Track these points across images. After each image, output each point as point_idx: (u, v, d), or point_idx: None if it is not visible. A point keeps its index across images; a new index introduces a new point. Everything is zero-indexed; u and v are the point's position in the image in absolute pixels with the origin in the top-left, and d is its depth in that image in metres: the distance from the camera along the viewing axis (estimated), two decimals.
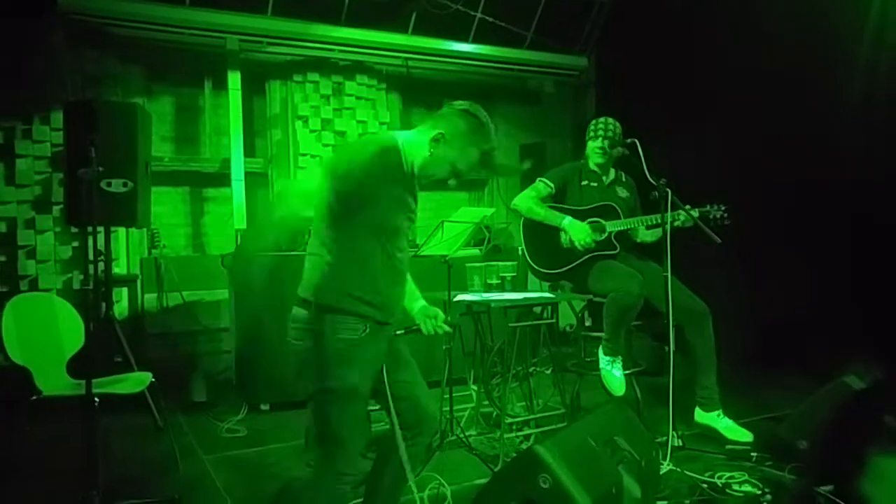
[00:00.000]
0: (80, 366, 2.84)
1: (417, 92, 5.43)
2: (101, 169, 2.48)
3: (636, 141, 2.94)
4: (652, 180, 2.84)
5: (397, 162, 1.76)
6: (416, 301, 2.04)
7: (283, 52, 4.76)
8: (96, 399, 2.29)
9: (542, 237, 3.14)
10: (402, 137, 1.84)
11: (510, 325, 2.81)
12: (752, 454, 2.72)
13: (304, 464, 1.86)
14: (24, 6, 3.98)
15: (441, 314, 1.99)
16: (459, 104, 1.93)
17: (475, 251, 3.90)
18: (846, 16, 3.78)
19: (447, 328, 1.97)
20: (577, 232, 3.02)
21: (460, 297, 2.86)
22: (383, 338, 1.82)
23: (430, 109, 5.57)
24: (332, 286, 1.72)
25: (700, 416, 3.00)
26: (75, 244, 4.17)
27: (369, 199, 1.72)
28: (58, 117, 3.98)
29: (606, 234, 3.07)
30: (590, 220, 3.08)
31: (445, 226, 2.74)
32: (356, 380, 1.73)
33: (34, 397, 2.66)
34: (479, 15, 5.11)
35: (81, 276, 4.13)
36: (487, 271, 3.04)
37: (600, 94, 5.80)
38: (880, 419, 2.23)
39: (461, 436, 2.91)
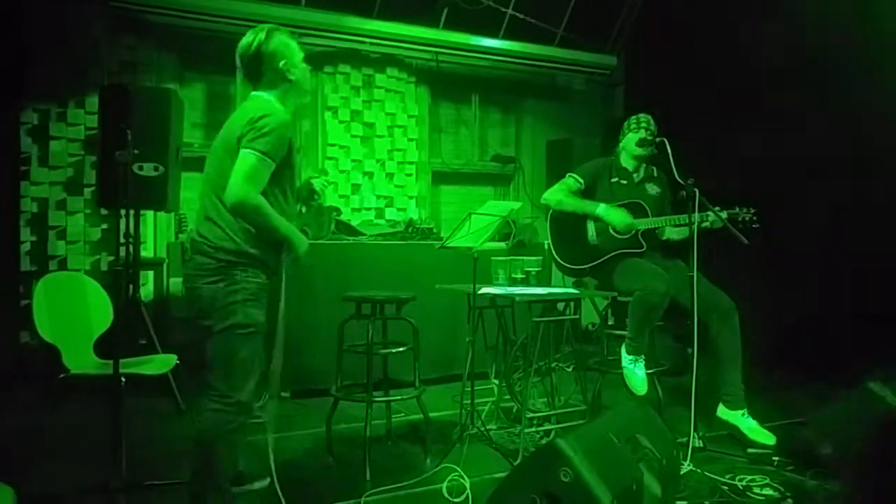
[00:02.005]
0: (107, 346, 2.89)
1: (446, 86, 5.43)
2: (136, 152, 2.52)
3: (664, 140, 2.90)
4: (680, 180, 2.80)
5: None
6: None
7: (316, 42, 4.79)
8: (123, 379, 2.33)
9: (569, 232, 3.13)
10: (269, 97, 2.09)
11: (534, 319, 2.79)
12: (774, 458, 2.67)
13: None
14: None
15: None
16: (250, 36, 2.10)
17: (501, 245, 3.89)
18: (884, 13, 3.67)
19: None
20: (614, 216, 2.99)
21: (485, 290, 2.85)
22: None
23: (458, 104, 5.57)
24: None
25: (724, 413, 2.93)
26: (104, 226, 4.25)
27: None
28: (93, 101, 4.05)
29: (634, 232, 3.03)
30: None
31: (472, 218, 2.73)
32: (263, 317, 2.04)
33: (62, 375, 2.72)
34: (510, 11, 5.08)
35: (111, 258, 4.22)
36: (512, 265, 3.03)
37: (629, 92, 5.75)
38: None
39: (482, 429, 2.91)
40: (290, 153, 2.03)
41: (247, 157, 1.91)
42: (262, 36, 2.07)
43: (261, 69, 2.08)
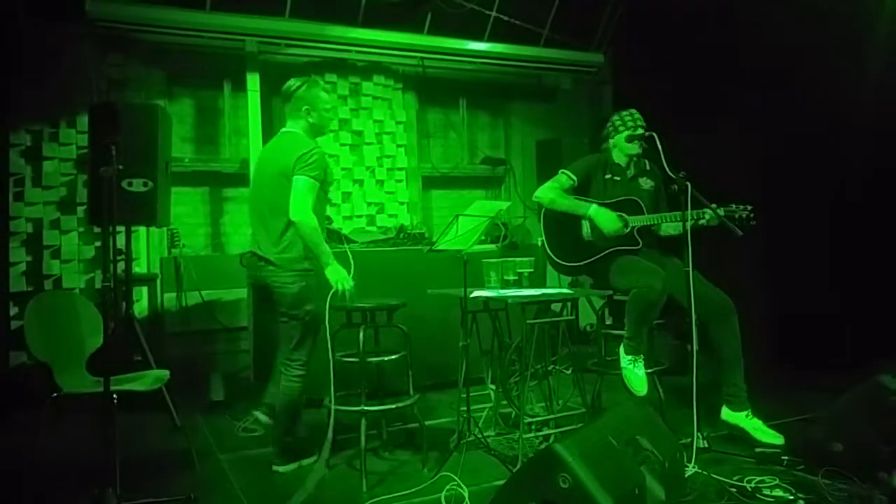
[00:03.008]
0: (100, 363, 2.86)
1: (434, 91, 5.42)
2: (121, 167, 2.51)
3: (654, 134, 2.88)
4: (671, 173, 2.78)
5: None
6: None
7: (302, 53, 4.79)
8: (115, 396, 2.29)
9: (563, 229, 3.09)
10: (296, 130, 2.77)
11: (528, 322, 2.75)
12: (783, 458, 2.58)
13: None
14: (53, 14, 4.09)
15: None
16: (294, 82, 2.76)
17: (492, 247, 3.86)
18: (865, 11, 3.66)
19: None
20: (604, 220, 2.96)
21: (477, 293, 2.82)
22: None
23: (446, 108, 5.56)
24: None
25: (727, 414, 2.87)
26: (98, 244, 4.24)
27: None
28: (83, 120, 4.06)
29: (630, 230, 3.00)
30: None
31: (460, 220, 2.70)
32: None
33: (55, 394, 2.68)
34: (494, 14, 5.07)
35: (103, 276, 4.19)
36: (504, 267, 2.99)
37: (617, 90, 5.74)
38: None
39: (479, 436, 2.86)
40: (325, 181, 2.69)
41: (302, 182, 2.59)
42: (301, 84, 2.74)
43: (292, 108, 2.75)
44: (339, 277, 2.61)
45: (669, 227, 3.09)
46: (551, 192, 3.07)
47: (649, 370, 2.89)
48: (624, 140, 3.08)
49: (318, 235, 2.60)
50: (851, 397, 2.54)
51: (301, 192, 2.57)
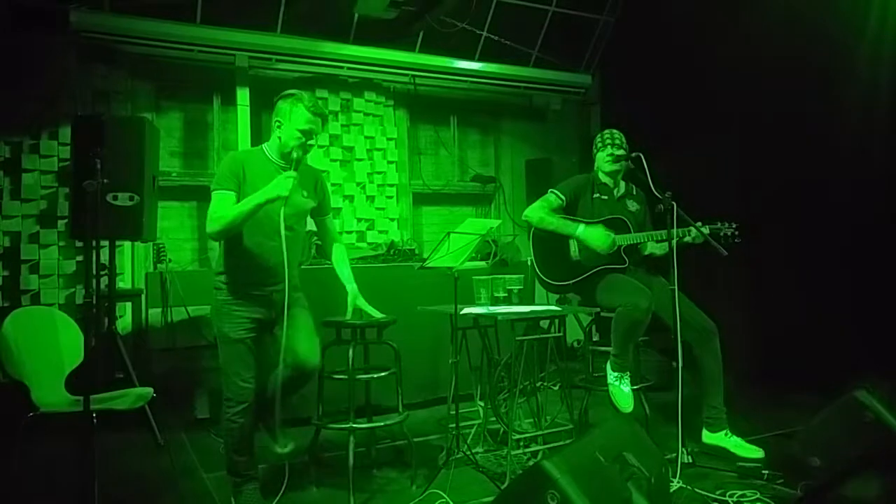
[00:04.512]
0: (79, 381, 2.80)
1: (424, 109, 5.46)
2: (106, 181, 2.48)
3: (640, 155, 2.93)
4: (657, 193, 2.82)
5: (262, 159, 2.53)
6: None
7: (292, 69, 4.80)
8: (94, 415, 2.24)
9: (551, 248, 3.12)
10: (263, 147, 2.56)
11: (517, 338, 2.76)
12: (764, 472, 2.65)
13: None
14: (37, 24, 4.04)
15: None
16: (284, 93, 2.50)
17: (482, 264, 3.87)
18: (849, 28, 3.77)
19: None
20: (593, 237, 2.99)
21: (467, 310, 2.83)
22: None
23: (437, 126, 5.60)
24: None
25: (707, 437, 2.94)
26: (79, 258, 4.16)
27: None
28: (66, 132, 4.01)
29: (616, 248, 3.04)
30: None
31: (451, 237, 2.71)
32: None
33: (31, 414, 2.62)
34: (485, 34, 5.15)
35: (84, 291, 4.13)
36: (494, 284, 3.01)
37: (605, 110, 5.83)
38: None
39: (468, 453, 2.85)
40: (230, 182, 2.42)
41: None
42: (285, 96, 2.49)
43: (272, 119, 2.53)
44: (270, 190, 2.29)
45: (655, 247, 3.14)
46: (540, 212, 3.10)
47: (635, 386, 2.92)
48: (604, 159, 3.13)
49: (220, 223, 2.32)
50: (828, 413, 2.60)
51: (210, 206, 2.39)
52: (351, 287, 2.66)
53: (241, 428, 2.43)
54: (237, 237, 2.42)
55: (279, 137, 2.48)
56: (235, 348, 2.42)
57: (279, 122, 2.47)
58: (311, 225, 2.81)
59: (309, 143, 2.45)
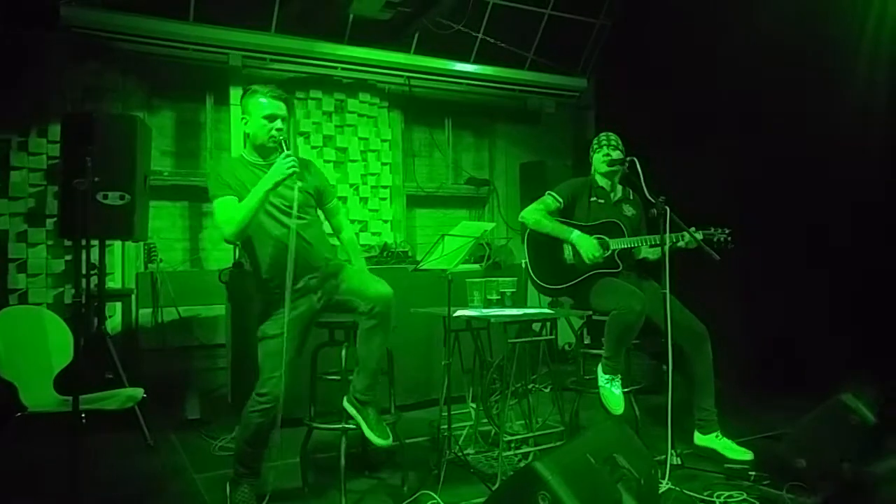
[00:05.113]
0: (68, 381, 2.78)
1: (419, 110, 5.47)
2: (96, 179, 2.47)
3: (635, 159, 2.94)
4: (651, 198, 2.83)
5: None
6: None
7: (286, 68, 4.79)
8: (84, 415, 2.23)
9: (545, 252, 3.13)
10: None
11: (509, 341, 2.77)
12: (751, 473, 2.69)
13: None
14: (27, 19, 4.00)
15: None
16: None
17: (475, 267, 3.88)
18: (847, 33, 3.80)
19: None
20: (585, 246, 3.01)
21: (460, 312, 2.83)
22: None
23: (432, 128, 5.61)
24: None
25: (699, 438, 2.96)
26: (68, 258, 4.13)
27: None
28: (55, 130, 3.97)
29: (610, 252, 3.05)
30: (594, 236, 3.07)
31: (446, 240, 2.71)
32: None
33: (19, 414, 2.60)
34: (480, 36, 5.17)
35: (73, 290, 4.09)
36: (487, 287, 3.01)
37: (600, 114, 5.85)
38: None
39: (459, 454, 2.85)
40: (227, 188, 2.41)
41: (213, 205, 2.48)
42: (244, 94, 2.51)
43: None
44: (273, 175, 2.30)
45: (648, 252, 3.15)
46: (537, 214, 3.11)
47: (626, 389, 2.93)
48: (600, 161, 3.16)
49: (233, 224, 2.33)
50: (815, 415, 2.63)
51: (215, 214, 2.43)
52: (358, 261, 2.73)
53: (258, 426, 2.43)
54: (251, 242, 2.44)
55: (248, 133, 2.49)
56: (276, 343, 2.41)
57: (245, 118, 2.49)
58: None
59: (277, 128, 2.42)
